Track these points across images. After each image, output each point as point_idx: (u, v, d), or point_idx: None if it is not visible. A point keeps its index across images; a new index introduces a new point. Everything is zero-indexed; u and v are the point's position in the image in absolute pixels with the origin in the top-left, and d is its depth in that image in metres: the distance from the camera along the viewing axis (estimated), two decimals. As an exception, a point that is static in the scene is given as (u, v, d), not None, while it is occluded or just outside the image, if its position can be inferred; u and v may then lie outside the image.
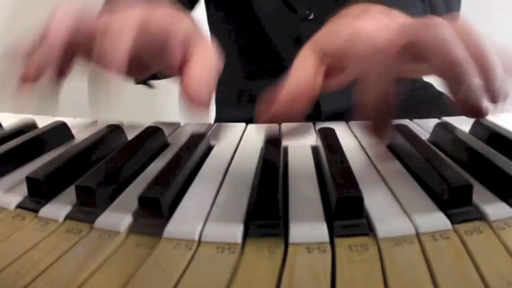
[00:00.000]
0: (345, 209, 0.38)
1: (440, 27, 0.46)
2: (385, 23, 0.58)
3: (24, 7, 1.95)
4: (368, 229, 0.38)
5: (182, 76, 0.53)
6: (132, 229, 0.40)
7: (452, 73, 0.44)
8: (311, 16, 1.12)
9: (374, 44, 0.53)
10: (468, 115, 0.45)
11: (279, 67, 1.14)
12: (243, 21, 1.15)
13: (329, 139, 0.53)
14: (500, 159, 0.46)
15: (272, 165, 0.46)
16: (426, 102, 1.11)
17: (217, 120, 1.27)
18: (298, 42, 1.13)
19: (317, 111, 1.11)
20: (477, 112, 0.44)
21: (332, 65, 0.59)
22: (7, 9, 1.94)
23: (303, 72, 0.57)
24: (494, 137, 0.56)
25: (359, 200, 0.38)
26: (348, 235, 0.37)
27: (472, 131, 0.61)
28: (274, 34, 1.14)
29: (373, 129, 0.49)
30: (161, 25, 0.56)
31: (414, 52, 0.48)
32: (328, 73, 0.59)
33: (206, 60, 0.54)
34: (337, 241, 0.37)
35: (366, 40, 0.55)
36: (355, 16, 0.62)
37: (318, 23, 1.07)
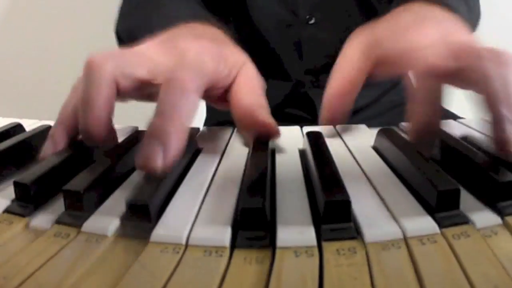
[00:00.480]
0: (332, 213, 0.38)
1: (489, 63, 0.48)
2: (439, 39, 0.59)
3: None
4: (355, 233, 0.38)
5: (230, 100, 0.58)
6: (120, 233, 0.40)
7: (491, 110, 0.47)
8: (312, 21, 1.13)
9: (425, 62, 0.54)
10: (496, 148, 0.47)
11: (278, 70, 1.14)
12: (243, 23, 1.15)
13: (316, 142, 0.53)
14: (485, 162, 0.46)
15: (259, 169, 0.46)
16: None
17: (209, 121, 1.27)
18: (298, 46, 1.13)
19: (313, 115, 1.12)
20: (504, 150, 0.46)
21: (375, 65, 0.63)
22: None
23: (353, 73, 0.62)
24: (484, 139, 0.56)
25: (347, 204, 0.38)
26: (336, 239, 0.37)
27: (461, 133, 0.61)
28: (274, 38, 1.14)
29: (421, 133, 0.54)
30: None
31: (460, 77, 0.51)
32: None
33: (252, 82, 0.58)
34: (324, 245, 0.37)
35: (420, 57, 0.56)
36: (413, 23, 0.64)
37: (319, 27, 1.08)
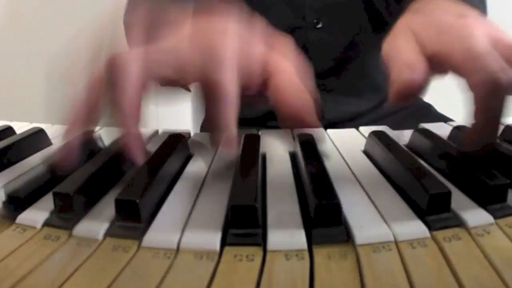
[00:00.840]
0: (323, 217, 0.38)
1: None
2: (492, 36, 0.55)
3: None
4: (346, 237, 0.38)
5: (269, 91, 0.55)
6: (110, 235, 0.40)
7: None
8: (320, 25, 1.13)
9: (489, 68, 0.50)
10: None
11: None
12: None
13: (307, 146, 0.53)
14: (476, 165, 0.46)
15: (250, 171, 0.46)
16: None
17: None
18: (305, 50, 1.13)
19: (320, 117, 1.11)
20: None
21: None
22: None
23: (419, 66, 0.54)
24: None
25: (337, 207, 0.38)
26: (327, 243, 0.37)
27: (450, 136, 0.61)
28: None
29: (480, 133, 0.50)
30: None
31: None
32: None
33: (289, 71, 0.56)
34: (315, 248, 0.37)
35: (485, 61, 0.51)
36: (457, 14, 0.60)
37: (326, 31, 1.09)
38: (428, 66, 0.55)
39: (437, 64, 0.56)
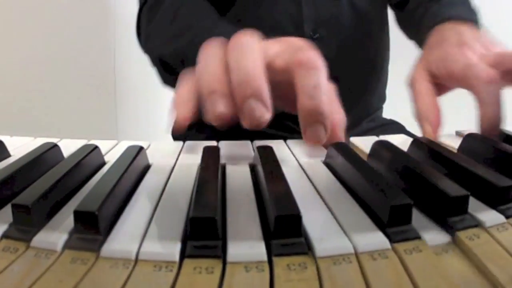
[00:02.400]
0: (283, 228, 0.38)
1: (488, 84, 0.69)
2: (482, 53, 0.77)
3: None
4: (306, 248, 0.38)
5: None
6: (69, 247, 0.39)
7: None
8: (317, 35, 1.13)
9: (484, 74, 0.71)
10: None
11: None
12: None
13: (267, 157, 0.53)
14: (436, 177, 0.46)
15: (209, 182, 0.46)
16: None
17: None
18: None
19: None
20: None
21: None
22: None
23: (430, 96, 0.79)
24: (432, 154, 0.58)
25: (297, 218, 0.38)
26: (286, 254, 0.37)
27: (410, 149, 0.62)
28: None
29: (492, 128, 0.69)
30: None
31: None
32: None
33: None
34: (275, 260, 0.36)
35: (479, 71, 0.72)
36: (458, 43, 0.80)
37: (323, 43, 1.10)
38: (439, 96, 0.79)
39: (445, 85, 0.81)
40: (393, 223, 0.40)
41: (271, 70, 0.56)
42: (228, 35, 0.68)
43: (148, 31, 1.02)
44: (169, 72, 0.98)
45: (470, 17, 0.91)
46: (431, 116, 0.76)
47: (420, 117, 0.78)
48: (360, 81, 1.23)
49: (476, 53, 0.77)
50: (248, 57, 0.54)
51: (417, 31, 1.06)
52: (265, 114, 0.52)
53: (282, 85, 0.56)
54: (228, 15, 1.14)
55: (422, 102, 0.79)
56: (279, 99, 0.57)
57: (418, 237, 0.39)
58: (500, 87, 0.70)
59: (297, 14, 1.14)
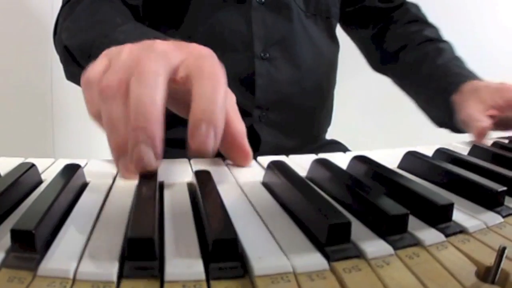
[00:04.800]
0: (220, 251, 0.38)
1: None
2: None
3: None
4: (243, 271, 0.37)
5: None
6: (6, 265, 0.38)
7: None
8: (267, 56, 1.14)
9: None
10: None
11: None
12: None
13: (204, 181, 0.53)
14: (376, 196, 0.47)
15: (147, 202, 0.46)
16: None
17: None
18: (252, 80, 1.15)
19: (256, 149, 1.13)
20: None
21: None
22: None
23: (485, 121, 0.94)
24: (372, 172, 0.58)
25: (234, 242, 0.38)
26: (224, 278, 0.37)
27: (349, 167, 0.62)
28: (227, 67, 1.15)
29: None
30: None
31: None
32: None
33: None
34: (213, 283, 0.36)
35: None
36: (504, 88, 1.01)
37: (274, 63, 1.11)
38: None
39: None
40: (331, 241, 0.40)
41: (174, 82, 0.56)
42: (133, 34, 0.68)
43: (64, 26, 1.01)
44: (76, 63, 0.96)
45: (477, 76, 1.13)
46: (480, 121, 0.94)
47: (471, 119, 0.97)
48: (308, 103, 1.24)
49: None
50: (149, 94, 0.52)
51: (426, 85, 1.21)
52: (152, 162, 0.52)
53: (187, 94, 0.56)
54: (179, 31, 1.14)
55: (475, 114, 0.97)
56: (185, 109, 0.58)
57: (357, 256, 0.39)
58: None
59: (247, 33, 1.15)
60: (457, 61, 1.21)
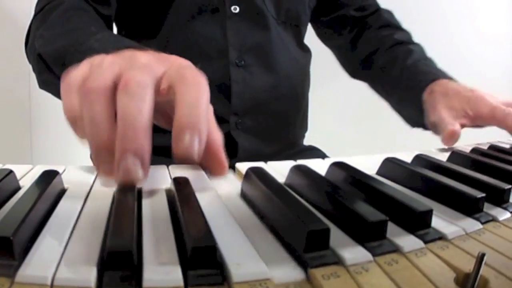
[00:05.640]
0: (199, 259, 0.37)
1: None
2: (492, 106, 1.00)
3: None
4: (221, 278, 0.37)
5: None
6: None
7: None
8: (242, 63, 1.14)
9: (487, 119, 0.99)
10: None
11: None
12: None
13: (183, 188, 0.53)
14: (354, 202, 0.47)
15: (126, 210, 0.45)
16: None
17: None
18: (228, 87, 1.15)
19: (234, 155, 1.17)
20: None
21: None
22: None
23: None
24: (351, 179, 0.58)
25: (213, 249, 0.38)
26: (202, 285, 0.36)
27: (328, 172, 0.62)
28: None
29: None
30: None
31: None
32: None
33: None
34: (191, 288, 0.36)
35: (498, 113, 0.97)
36: (475, 98, 1.02)
37: (249, 70, 1.11)
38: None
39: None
40: (310, 248, 0.40)
41: (157, 93, 0.55)
42: (108, 42, 0.68)
43: (37, 33, 1.00)
44: (49, 70, 0.95)
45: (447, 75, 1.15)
46: (451, 125, 0.97)
47: (442, 122, 0.99)
48: (284, 109, 1.25)
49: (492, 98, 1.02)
50: (137, 105, 0.52)
51: (395, 86, 1.25)
52: (139, 174, 0.51)
53: (167, 105, 0.56)
54: (154, 41, 1.14)
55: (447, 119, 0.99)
56: (164, 119, 0.60)
57: (335, 262, 0.39)
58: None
59: (223, 41, 1.16)
60: (427, 60, 1.23)
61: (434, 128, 1.04)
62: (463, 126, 0.99)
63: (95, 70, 0.57)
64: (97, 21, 1.04)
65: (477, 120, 1.00)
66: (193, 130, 0.51)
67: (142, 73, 0.54)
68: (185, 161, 0.52)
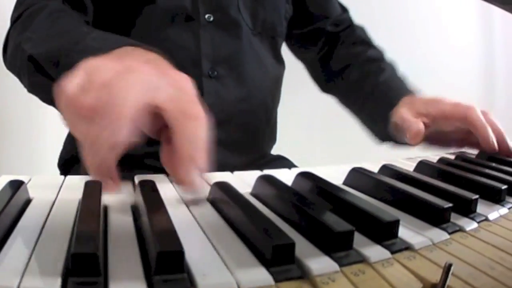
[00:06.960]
0: (165, 264, 0.37)
1: (476, 111, 0.98)
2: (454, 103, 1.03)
3: None
4: (189, 283, 0.37)
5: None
6: None
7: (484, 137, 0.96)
8: (215, 74, 1.13)
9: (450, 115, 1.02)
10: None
11: None
12: None
13: (149, 192, 0.53)
14: (321, 212, 0.46)
15: (90, 218, 0.45)
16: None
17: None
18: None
19: None
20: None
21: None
22: None
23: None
24: (317, 189, 0.58)
25: (180, 254, 0.37)
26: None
27: (295, 182, 0.63)
28: None
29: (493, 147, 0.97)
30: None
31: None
32: None
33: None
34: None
35: (461, 107, 1.00)
36: (438, 100, 1.05)
37: (221, 81, 1.11)
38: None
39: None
40: (276, 262, 0.40)
41: (155, 107, 0.55)
42: (107, 41, 0.67)
43: (21, 38, 0.98)
44: (40, 73, 0.94)
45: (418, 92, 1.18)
46: (416, 125, 1.00)
47: (404, 121, 1.03)
48: (254, 121, 1.24)
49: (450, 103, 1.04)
50: (109, 138, 0.51)
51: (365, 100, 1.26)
52: (113, 188, 0.53)
53: (159, 119, 0.56)
54: None
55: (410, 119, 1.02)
56: (154, 129, 0.59)
57: (300, 277, 0.39)
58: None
59: (196, 51, 1.14)
60: (399, 78, 1.25)
61: (397, 129, 1.06)
62: (426, 126, 1.01)
63: (91, 81, 0.55)
64: (84, 23, 1.03)
65: (439, 118, 1.02)
66: (194, 164, 0.53)
67: (135, 91, 0.54)
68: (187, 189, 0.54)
